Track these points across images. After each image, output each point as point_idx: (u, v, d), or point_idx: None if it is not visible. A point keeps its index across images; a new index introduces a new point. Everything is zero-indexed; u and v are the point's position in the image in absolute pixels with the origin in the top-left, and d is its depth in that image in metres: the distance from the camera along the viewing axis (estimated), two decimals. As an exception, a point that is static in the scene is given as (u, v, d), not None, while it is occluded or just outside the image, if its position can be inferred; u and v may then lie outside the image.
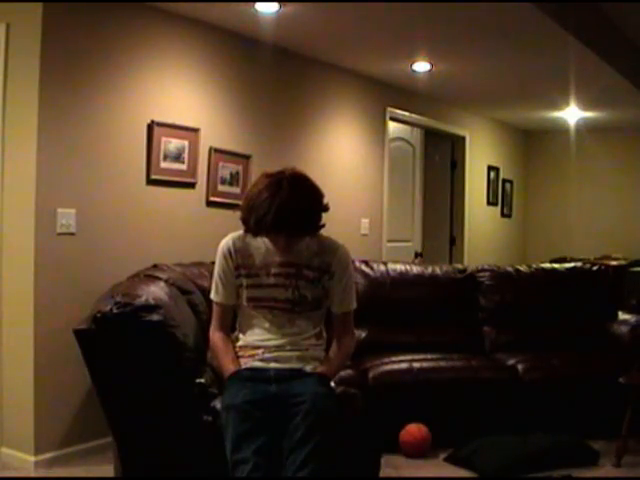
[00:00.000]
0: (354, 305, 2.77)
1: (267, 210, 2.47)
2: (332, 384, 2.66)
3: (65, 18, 3.45)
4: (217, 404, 2.57)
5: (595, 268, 4.89)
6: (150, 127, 3.86)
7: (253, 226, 2.55)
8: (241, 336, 2.72)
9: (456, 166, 7.04)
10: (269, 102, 4.68)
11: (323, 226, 2.64)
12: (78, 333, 2.60)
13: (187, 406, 2.62)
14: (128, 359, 2.61)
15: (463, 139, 6.98)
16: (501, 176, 7.75)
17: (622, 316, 4.64)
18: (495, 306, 4.56)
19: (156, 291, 2.88)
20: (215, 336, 2.70)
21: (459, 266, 4.96)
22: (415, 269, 4.61)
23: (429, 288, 4.52)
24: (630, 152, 7.76)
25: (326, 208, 2.63)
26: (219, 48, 4.30)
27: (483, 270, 4.69)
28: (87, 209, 3.58)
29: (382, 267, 4.52)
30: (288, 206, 2.48)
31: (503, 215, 7.86)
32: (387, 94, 5.76)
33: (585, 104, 6.38)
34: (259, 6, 3.83)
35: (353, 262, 2.95)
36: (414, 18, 4.01)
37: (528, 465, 3.43)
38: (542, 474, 3.37)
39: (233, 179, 4.38)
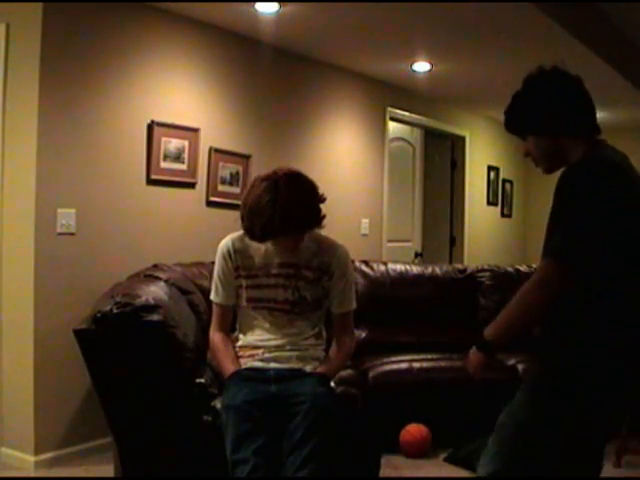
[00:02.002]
0: (354, 305, 2.77)
1: (272, 212, 2.44)
2: (332, 384, 2.67)
3: (65, 18, 3.45)
4: (217, 404, 2.57)
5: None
6: (150, 127, 3.86)
7: (259, 232, 2.51)
8: (241, 336, 2.72)
9: (456, 166, 7.03)
10: (269, 102, 4.68)
11: (325, 216, 2.61)
12: (78, 333, 2.60)
13: (187, 406, 2.63)
14: (128, 359, 2.61)
15: (463, 139, 6.97)
16: (501, 176, 7.75)
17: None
18: (495, 306, 4.54)
19: (156, 291, 2.88)
20: (215, 336, 2.70)
21: (459, 266, 4.95)
22: (415, 269, 4.61)
23: (429, 288, 4.52)
24: (630, 152, 7.74)
25: (323, 199, 2.60)
26: (219, 48, 4.30)
27: (483, 270, 4.69)
28: (87, 209, 3.58)
29: (382, 267, 4.52)
30: (291, 204, 2.46)
31: (503, 215, 7.86)
32: (387, 94, 5.76)
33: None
34: (259, 6, 3.83)
35: (353, 262, 2.95)
36: (414, 18, 4.01)
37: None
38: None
39: (233, 179, 4.38)
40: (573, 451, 1.86)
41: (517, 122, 2.02)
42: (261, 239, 2.57)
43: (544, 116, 1.95)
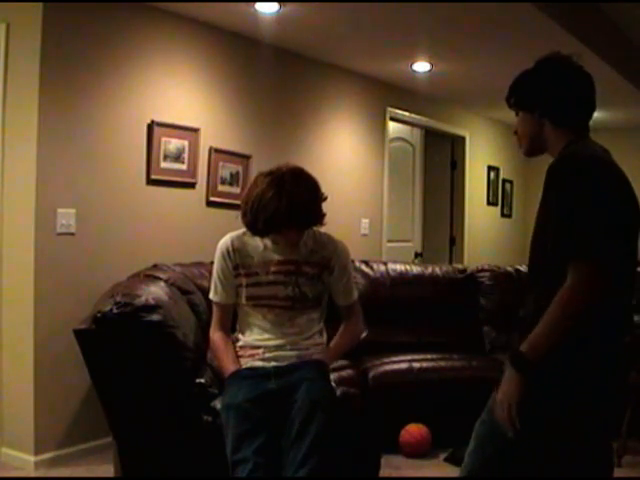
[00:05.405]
0: (356, 295, 2.81)
1: (277, 206, 2.46)
2: (332, 384, 2.66)
3: (65, 18, 3.45)
4: (217, 404, 2.57)
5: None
6: (150, 127, 3.86)
7: (263, 226, 2.53)
8: (241, 336, 2.72)
9: (456, 166, 7.03)
10: (269, 102, 4.68)
11: (325, 215, 2.63)
12: (78, 333, 2.60)
13: (187, 406, 2.63)
14: (128, 359, 2.61)
15: (463, 139, 6.97)
16: (501, 176, 7.75)
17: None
18: (495, 306, 4.56)
19: (156, 291, 2.88)
20: (215, 336, 2.70)
21: (459, 266, 4.96)
22: (415, 269, 4.61)
23: (429, 288, 4.52)
24: (630, 152, 7.75)
25: (324, 197, 2.64)
26: (219, 48, 4.30)
27: (483, 270, 4.69)
28: (87, 209, 3.58)
29: (382, 267, 4.52)
30: (297, 196, 2.48)
31: (503, 215, 7.86)
32: (387, 94, 5.76)
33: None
34: (259, 6, 3.83)
35: (353, 262, 2.95)
36: (414, 18, 4.02)
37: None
38: (542, 474, 3.37)
39: (233, 179, 4.38)
40: (557, 450, 1.84)
41: (515, 94, 1.98)
42: (264, 233, 2.58)
43: (540, 95, 1.92)
